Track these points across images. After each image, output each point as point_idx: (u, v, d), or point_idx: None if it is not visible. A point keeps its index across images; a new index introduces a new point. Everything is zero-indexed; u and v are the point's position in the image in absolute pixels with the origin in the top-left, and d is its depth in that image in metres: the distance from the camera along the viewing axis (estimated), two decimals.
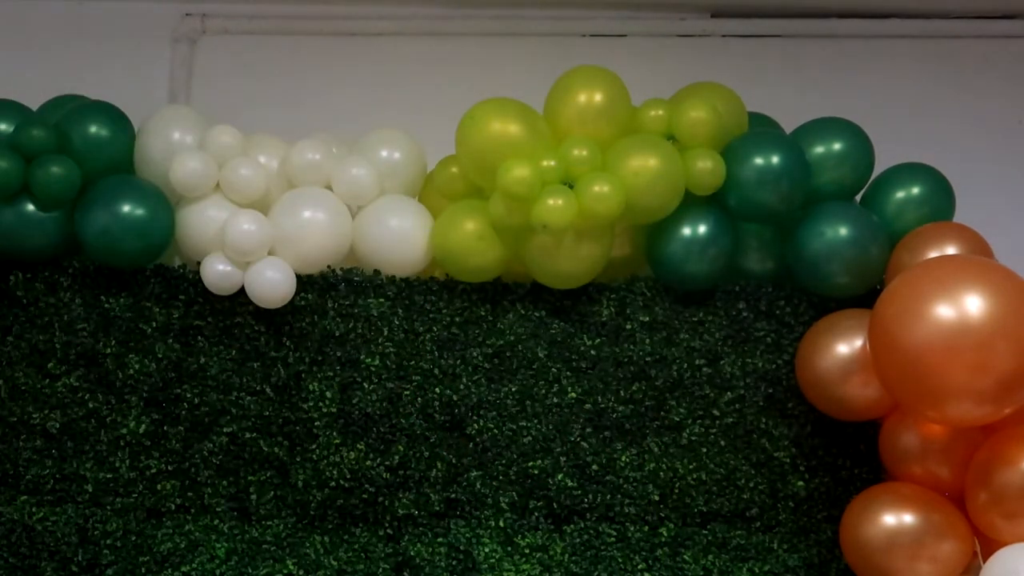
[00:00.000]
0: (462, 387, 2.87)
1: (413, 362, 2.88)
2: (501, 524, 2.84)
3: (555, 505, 2.85)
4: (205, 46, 3.29)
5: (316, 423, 2.86)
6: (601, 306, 2.90)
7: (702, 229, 2.78)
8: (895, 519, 2.58)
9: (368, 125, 3.01)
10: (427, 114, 3.06)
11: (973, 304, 2.33)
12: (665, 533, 2.83)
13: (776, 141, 2.77)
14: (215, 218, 2.81)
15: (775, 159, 2.72)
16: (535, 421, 2.86)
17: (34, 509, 2.84)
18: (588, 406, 2.87)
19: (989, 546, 2.53)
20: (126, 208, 2.77)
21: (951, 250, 2.64)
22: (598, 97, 2.72)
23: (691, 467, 2.85)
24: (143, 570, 2.82)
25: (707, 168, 2.72)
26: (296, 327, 2.89)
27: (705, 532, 2.84)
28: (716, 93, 2.81)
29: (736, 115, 2.83)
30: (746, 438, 2.87)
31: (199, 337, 2.90)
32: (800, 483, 2.86)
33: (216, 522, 2.85)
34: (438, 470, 2.85)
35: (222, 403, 2.87)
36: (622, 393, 2.87)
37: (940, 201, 2.81)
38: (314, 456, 2.85)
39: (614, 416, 2.87)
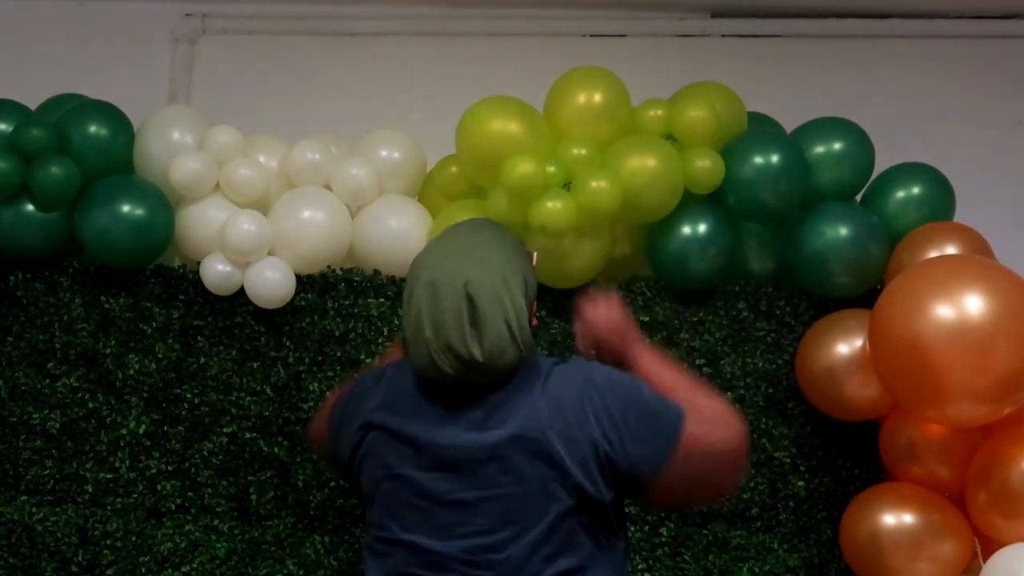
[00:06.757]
0: None
1: None
2: None
3: None
4: (205, 46, 3.30)
5: None
6: None
7: (702, 228, 2.78)
8: (895, 519, 2.58)
9: (368, 125, 3.02)
10: (427, 114, 3.07)
11: (973, 304, 2.33)
12: (665, 533, 2.83)
13: (775, 140, 2.77)
14: (215, 218, 2.82)
15: (774, 158, 2.72)
16: None
17: (34, 509, 2.85)
18: None
19: (989, 546, 2.53)
20: (125, 208, 2.78)
21: (951, 250, 2.64)
22: (597, 97, 2.72)
23: None
24: (143, 570, 2.82)
25: (706, 167, 2.72)
26: (296, 327, 2.89)
27: (705, 532, 2.84)
28: (715, 93, 2.82)
29: (735, 115, 2.83)
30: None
31: (199, 337, 2.90)
32: (800, 483, 2.86)
33: (216, 522, 2.85)
34: None
35: (222, 403, 2.88)
36: None
37: (940, 201, 2.81)
38: (314, 456, 2.85)
39: None
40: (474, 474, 1.91)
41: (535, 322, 2.08)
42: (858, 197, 2.90)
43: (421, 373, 1.98)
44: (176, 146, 2.86)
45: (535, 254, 2.16)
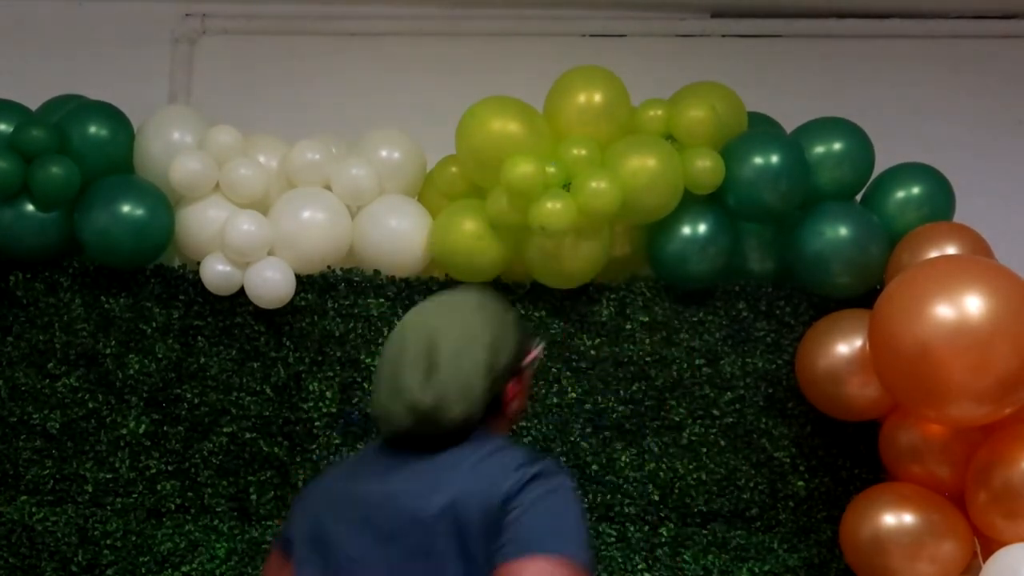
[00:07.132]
0: None
1: None
2: None
3: None
4: (205, 46, 3.30)
5: (316, 423, 2.86)
6: (601, 306, 2.90)
7: (702, 228, 2.78)
8: (895, 519, 2.58)
9: (368, 125, 3.02)
10: (427, 114, 3.06)
11: (973, 304, 2.33)
12: (665, 533, 2.83)
13: (775, 140, 2.78)
14: (215, 218, 2.81)
15: (774, 158, 2.72)
16: (535, 421, 2.86)
17: (34, 509, 2.84)
18: (588, 406, 2.87)
19: (989, 546, 2.53)
20: (125, 208, 2.78)
21: (951, 250, 2.64)
22: (597, 97, 2.72)
23: (691, 467, 2.85)
24: (143, 570, 2.82)
25: (706, 167, 2.72)
26: (296, 327, 2.89)
27: (705, 532, 2.84)
28: (715, 93, 2.82)
29: (735, 115, 2.83)
30: (746, 438, 2.87)
31: (199, 337, 2.89)
32: (800, 483, 2.86)
33: (216, 522, 2.85)
34: None
35: (222, 403, 2.87)
36: (622, 393, 2.87)
37: (940, 201, 2.81)
38: (314, 456, 2.85)
39: (614, 416, 2.87)
40: (387, 531, 1.83)
41: (516, 404, 1.95)
42: (858, 197, 2.90)
43: (375, 419, 1.93)
44: (176, 146, 2.86)
45: (541, 347, 2.05)
